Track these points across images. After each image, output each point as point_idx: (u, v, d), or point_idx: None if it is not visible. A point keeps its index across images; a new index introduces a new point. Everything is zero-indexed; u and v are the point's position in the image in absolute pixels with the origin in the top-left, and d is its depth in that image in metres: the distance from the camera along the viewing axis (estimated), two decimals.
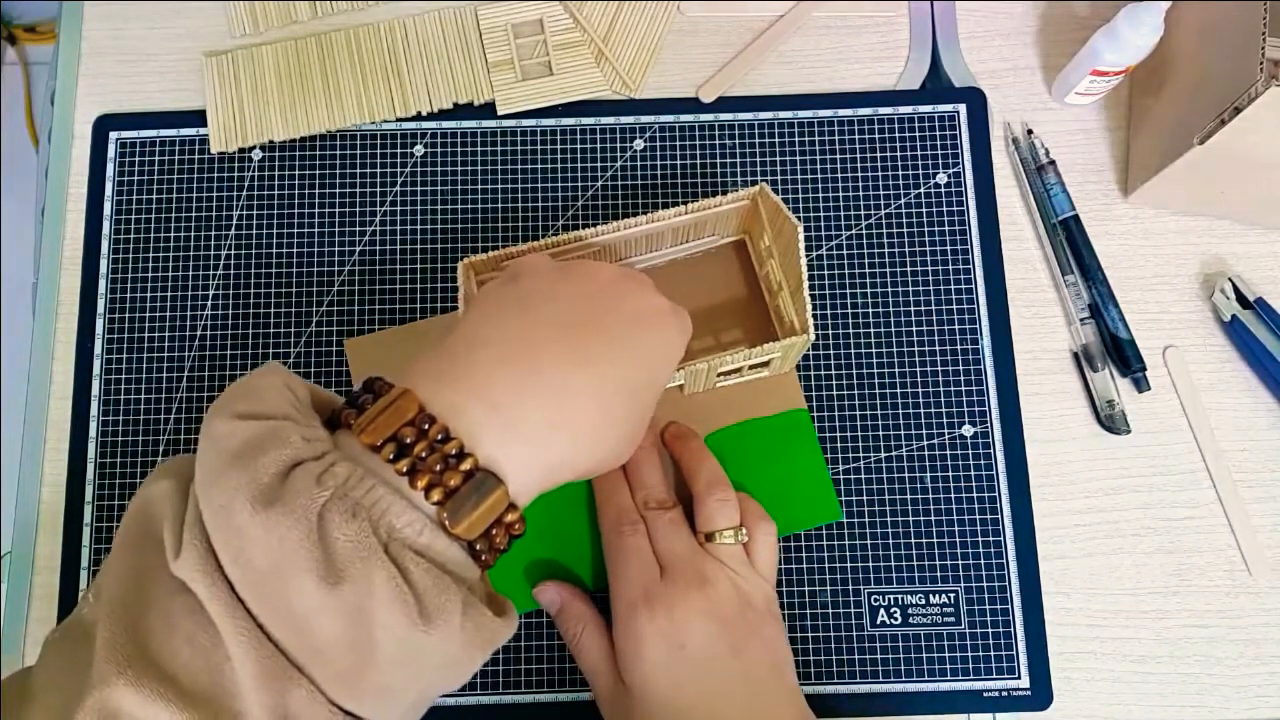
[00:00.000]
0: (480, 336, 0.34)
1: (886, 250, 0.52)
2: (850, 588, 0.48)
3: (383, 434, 0.30)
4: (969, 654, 0.47)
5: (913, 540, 0.48)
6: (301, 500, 0.27)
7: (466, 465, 0.30)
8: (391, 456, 0.29)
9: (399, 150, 0.53)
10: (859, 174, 0.53)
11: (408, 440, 0.30)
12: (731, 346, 0.49)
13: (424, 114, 0.53)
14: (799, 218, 0.51)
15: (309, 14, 0.55)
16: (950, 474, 0.49)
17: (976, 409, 0.50)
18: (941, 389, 0.50)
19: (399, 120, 0.53)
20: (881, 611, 0.47)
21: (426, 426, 0.30)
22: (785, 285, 0.47)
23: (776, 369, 0.49)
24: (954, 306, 0.51)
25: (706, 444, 0.48)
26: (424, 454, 0.30)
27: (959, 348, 0.50)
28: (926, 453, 0.49)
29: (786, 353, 0.46)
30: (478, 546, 0.30)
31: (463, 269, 0.43)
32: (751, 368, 0.47)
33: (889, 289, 0.51)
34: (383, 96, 0.53)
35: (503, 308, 0.35)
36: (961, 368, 0.50)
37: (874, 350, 0.50)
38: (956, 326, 0.51)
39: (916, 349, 0.50)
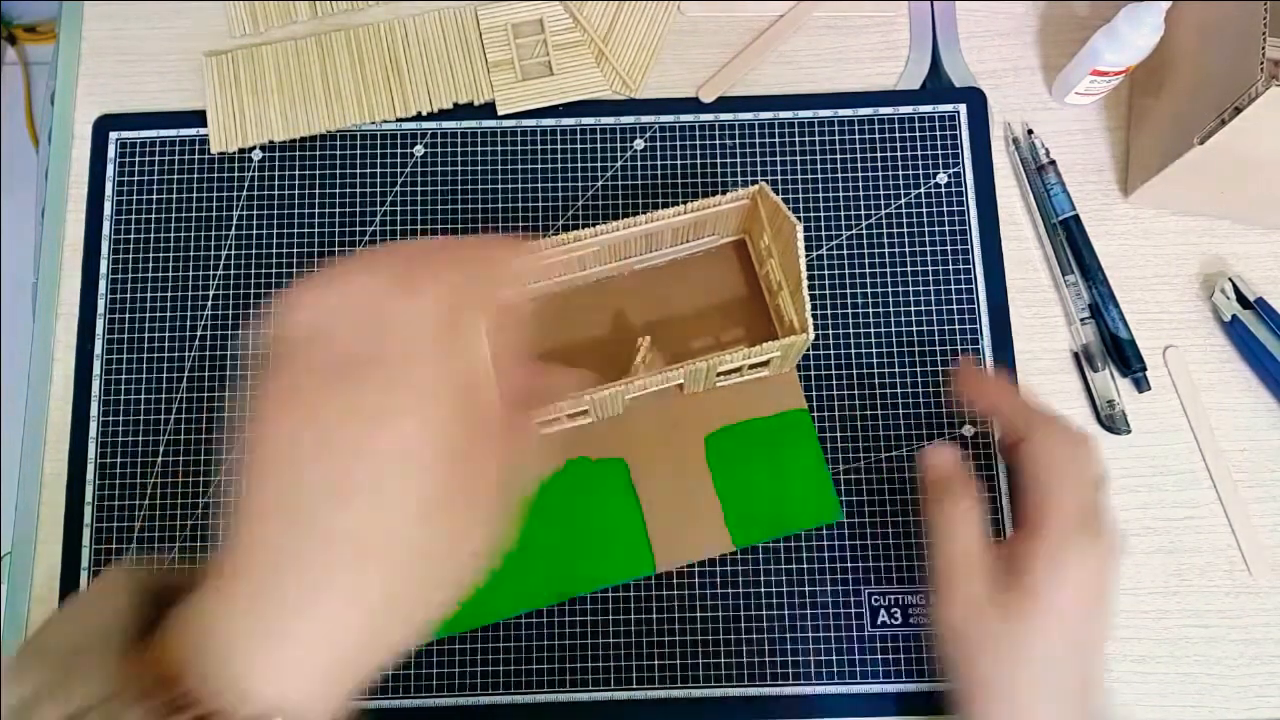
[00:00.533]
0: (258, 537, 0.28)
1: (886, 250, 0.52)
2: (850, 588, 0.48)
3: None
4: None
5: (913, 540, 0.48)
6: None
7: None
8: None
9: (399, 150, 0.53)
10: (859, 174, 0.53)
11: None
12: (731, 346, 0.49)
13: (424, 114, 0.53)
14: (799, 217, 0.51)
15: (309, 14, 0.55)
16: None
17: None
18: (941, 389, 0.50)
19: (399, 120, 0.53)
20: (881, 611, 0.47)
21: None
22: (785, 285, 0.47)
23: (777, 369, 0.49)
24: (954, 306, 0.51)
25: (707, 444, 0.48)
26: None
27: (959, 348, 0.50)
28: None
29: (786, 352, 0.46)
30: None
31: None
32: (751, 367, 0.47)
33: (889, 289, 0.51)
34: (383, 96, 0.53)
35: (280, 487, 0.29)
36: None
37: (874, 350, 0.50)
38: (956, 326, 0.51)
39: (917, 349, 0.50)
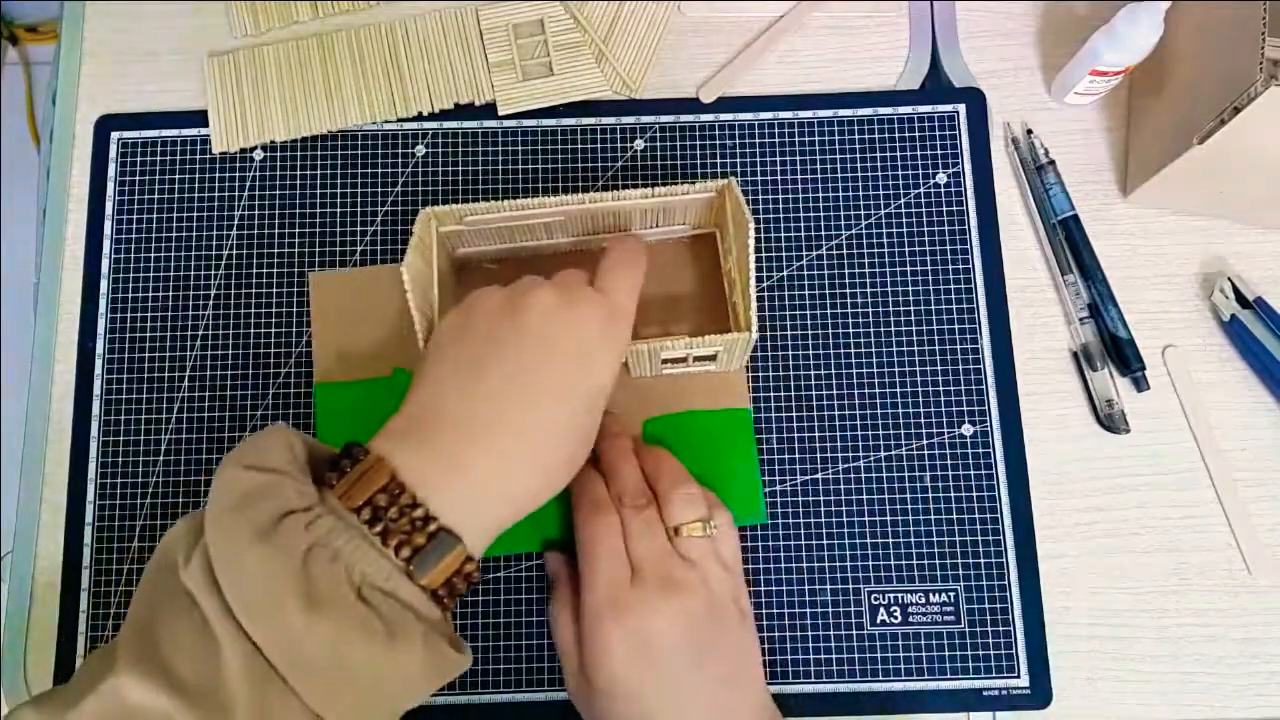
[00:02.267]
0: (440, 398, 0.38)
1: (886, 250, 0.52)
2: (850, 587, 0.48)
3: (359, 499, 0.34)
4: (969, 652, 0.47)
5: (913, 540, 0.48)
6: (291, 540, 0.32)
7: (431, 528, 0.35)
8: (367, 518, 0.34)
9: (400, 150, 0.53)
10: (859, 174, 0.53)
11: (381, 505, 0.34)
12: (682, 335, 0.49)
13: (425, 114, 0.53)
14: (800, 217, 0.52)
15: (310, 14, 0.55)
16: (950, 474, 0.49)
17: (976, 409, 0.50)
18: (941, 389, 0.50)
19: (400, 120, 0.53)
20: (881, 611, 0.47)
21: (397, 493, 0.35)
22: (739, 281, 0.46)
23: (724, 365, 0.48)
24: (953, 306, 0.51)
25: (645, 429, 0.48)
26: (394, 517, 0.34)
27: (958, 347, 0.50)
28: (926, 453, 0.49)
29: (730, 347, 0.45)
30: (439, 592, 0.35)
31: (423, 219, 0.44)
32: (697, 359, 0.47)
33: (889, 288, 0.51)
34: (384, 96, 0.53)
35: (459, 367, 0.39)
36: (961, 367, 0.50)
37: (874, 350, 0.50)
38: (956, 326, 0.51)
39: (916, 348, 0.50)
